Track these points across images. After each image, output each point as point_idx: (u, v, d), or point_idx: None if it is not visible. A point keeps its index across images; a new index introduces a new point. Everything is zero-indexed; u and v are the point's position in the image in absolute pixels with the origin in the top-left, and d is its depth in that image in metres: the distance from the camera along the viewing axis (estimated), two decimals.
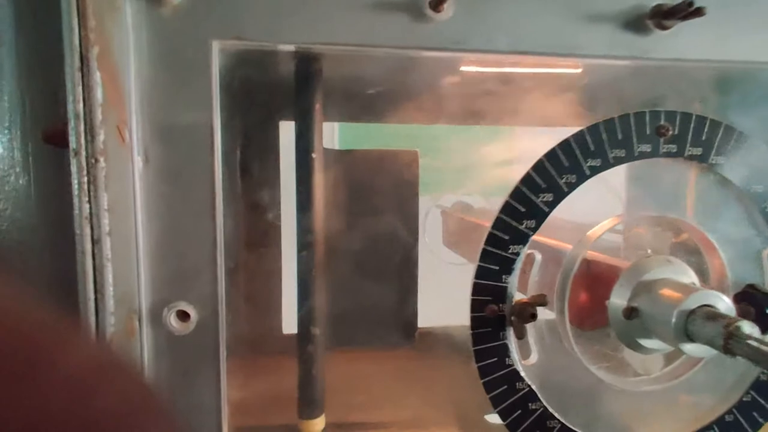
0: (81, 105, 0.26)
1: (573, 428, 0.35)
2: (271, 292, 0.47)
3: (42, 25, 0.31)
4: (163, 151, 0.28)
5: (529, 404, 0.35)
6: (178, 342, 0.29)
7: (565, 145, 0.33)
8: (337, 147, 0.53)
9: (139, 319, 0.29)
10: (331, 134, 0.57)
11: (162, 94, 0.28)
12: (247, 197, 0.42)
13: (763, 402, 0.37)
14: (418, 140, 0.48)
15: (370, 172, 0.46)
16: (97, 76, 0.26)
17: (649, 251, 0.37)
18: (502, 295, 0.34)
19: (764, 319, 0.33)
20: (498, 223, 0.33)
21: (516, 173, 0.34)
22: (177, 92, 0.28)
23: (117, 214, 0.28)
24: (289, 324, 0.46)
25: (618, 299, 0.35)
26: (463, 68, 0.39)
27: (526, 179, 0.33)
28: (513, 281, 0.34)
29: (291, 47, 0.30)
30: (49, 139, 0.31)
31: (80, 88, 0.26)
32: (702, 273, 0.36)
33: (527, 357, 0.35)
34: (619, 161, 0.34)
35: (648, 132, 0.34)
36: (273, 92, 0.42)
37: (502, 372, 0.34)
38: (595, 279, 0.36)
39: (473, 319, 0.34)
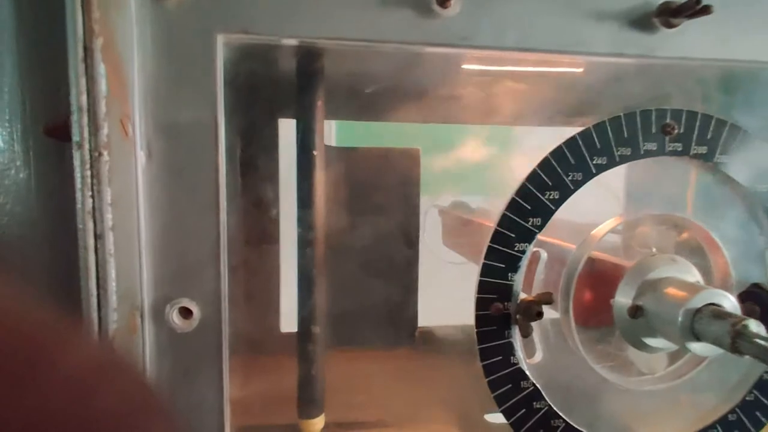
0: (84, 97, 0.26)
1: (577, 427, 0.35)
2: (269, 290, 0.46)
3: (43, 18, 0.31)
4: (166, 146, 0.28)
5: (534, 403, 0.35)
6: (180, 339, 0.29)
7: (571, 142, 0.33)
8: (334, 145, 0.52)
9: (141, 316, 0.28)
10: (329, 132, 0.57)
11: (165, 87, 0.28)
12: (246, 194, 0.42)
13: (766, 401, 0.37)
14: (416, 139, 0.48)
15: (371, 169, 0.46)
16: (101, 68, 0.26)
17: (654, 250, 0.37)
18: (507, 293, 0.33)
19: None
20: (504, 221, 0.33)
21: (516, 173, 0.33)
22: (180, 86, 0.28)
23: (120, 208, 0.27)
24: (288, 322, 0.46)
25: (623, 298, 0.35)
26: (465, 66, 0.39)
27: (533, 177, 0.33)
28: (519, 279, 0.33)
29: (297, 42, 0.30)
30: (51, 132, 0.30)
31: (84, 79, 0.26)
32: (705, 272, 0.36)
33: (532, 356, 0.35)
34: (624, 159, 0.34)
35: (654, 130, 0.34)
36: (274, 89, 0.42)
37: (506, 370, 0.34)
38: (599, 278, 0.36)
39: (478, 318, 0.33)
